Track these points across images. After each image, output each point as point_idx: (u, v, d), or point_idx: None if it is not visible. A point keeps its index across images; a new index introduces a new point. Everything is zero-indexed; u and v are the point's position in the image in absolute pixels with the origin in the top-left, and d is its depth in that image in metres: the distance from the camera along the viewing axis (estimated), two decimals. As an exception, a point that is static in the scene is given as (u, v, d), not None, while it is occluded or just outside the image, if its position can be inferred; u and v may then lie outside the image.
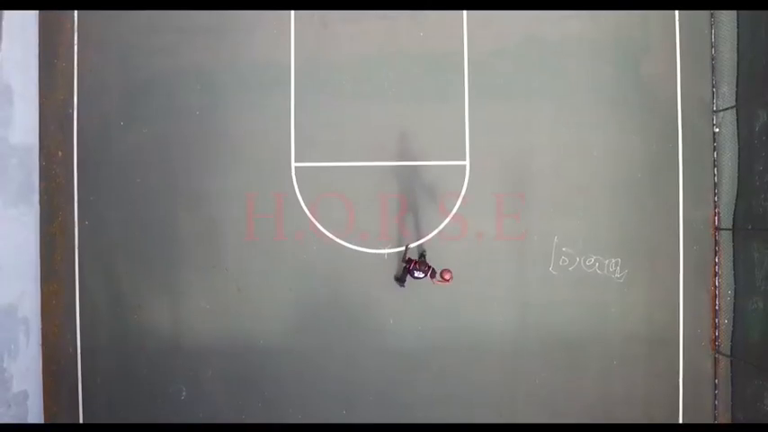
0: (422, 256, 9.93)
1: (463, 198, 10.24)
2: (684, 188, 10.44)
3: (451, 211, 10.24)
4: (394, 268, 10.20)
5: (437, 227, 10.23)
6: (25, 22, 10.02)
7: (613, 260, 10.37)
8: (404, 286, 9.91)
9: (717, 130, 10.48)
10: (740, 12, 10.28)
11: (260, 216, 10.22)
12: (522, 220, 10.29)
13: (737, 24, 10.33)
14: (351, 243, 10.21)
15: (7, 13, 9.54)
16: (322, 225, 10.22)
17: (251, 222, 10.22)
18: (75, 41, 10.37)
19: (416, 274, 8.95)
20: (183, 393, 10.22)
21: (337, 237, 10.21)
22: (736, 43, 10.35)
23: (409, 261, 9.12)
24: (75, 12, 10.36)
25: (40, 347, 10.23)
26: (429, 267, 8.95)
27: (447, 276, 8.52)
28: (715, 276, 10.40)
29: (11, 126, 9.63)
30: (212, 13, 10.26)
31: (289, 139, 10.24)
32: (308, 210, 10.22)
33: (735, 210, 10.28)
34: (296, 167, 10.22)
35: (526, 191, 10.31)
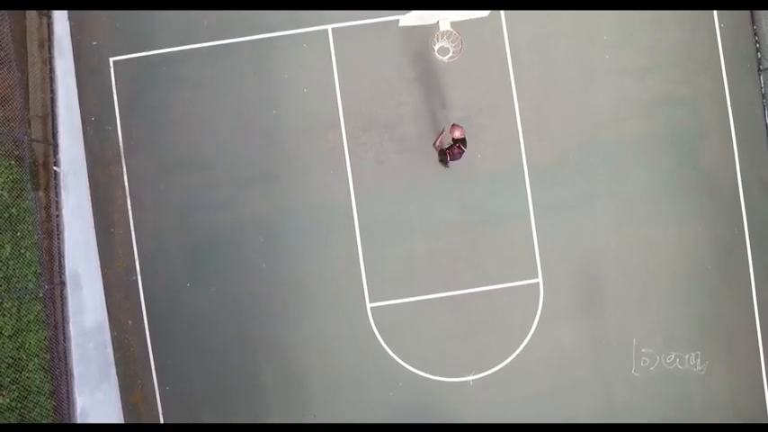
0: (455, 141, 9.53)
1: (540, 314, 10.22)
2: (755, 270, 10.46)
3: (531, 328, 10.23)
4: (480, 393, 10.21)
5: (520, 344, 10.22)
6: (80, 199, 9.83)
7: (693, 353, 10.41)
8: (448, 166, 10.03)
9: (781, 209, 10.50)
10: (791, 89, 10.25)
11: (341, 358, 10.16)
12: (600, 326, 10.29)
13: (790, 102, 10.32)
14: (435, 374, 10.20)
15: (64, 197, 9.35)
16: (405, 361, 10.18)
17: (333, 366, 10.16)
18: (129, 207, 10.18)
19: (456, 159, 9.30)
20: None
21: (421, 370, 10.19)
22: (790, 121, 10.34)
23: (444, 152, 9.31)
24: (126, 177, 10.15)
25: None
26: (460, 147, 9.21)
27: (457, 134, 9.10)
28: (796, 354, 10.49)
29: (83, 312, 9.50)
30: (264, 162, 10.16)
31: (360, 280, 10.15)
32: (389, 347, 10.17)
33: (809, 287, 10.35)
34: (371, 308, 10.15)
35: (601, 296, 10.30)
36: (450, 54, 9.13)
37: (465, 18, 8.52)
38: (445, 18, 8.29)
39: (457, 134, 9.11)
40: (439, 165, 10.14)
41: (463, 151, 9.31)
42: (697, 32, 10.40)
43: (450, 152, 9.34)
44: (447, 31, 8.64)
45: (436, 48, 8.94)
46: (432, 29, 9.15)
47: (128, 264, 10.21)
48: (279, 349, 10.19)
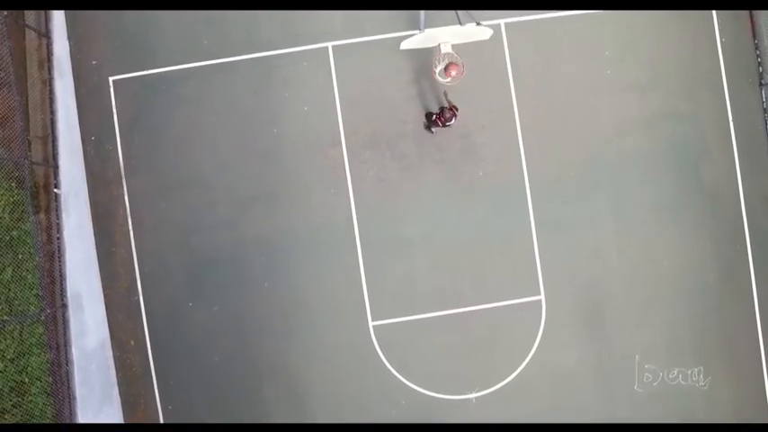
0: (441, 108, 9.55)
1: (543, 331, 10.20)
2: (757, 285, 10.45)
3: (533, 345, 10.22)
4: (483, 411, 10.20)
5: (523, 361, 10.21)
6: (81, 220, 9.80)
7: (696, 369, 10.40)
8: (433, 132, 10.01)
9: (784, 225, 10.48)
10: (793, 104, 10.24)
11: (344, 376, 10.15)
12: (603, 342, 10.28)
13: (792, 117, 10.29)
14: (437, 392, 10.18)
15: (65, 219, 9.33)
16: (407, 379, 10.17)
17: (336, 384, 10.15)
18: (130, 227, 10.16)
19: (448, 123, 9.17)
20: None
21: (423, 388, 10.17)
22: (793, 136, 10.32)
23: (433, 119, 9.25)
24: (126, 197, 10.12)
25: None
26: (451, 110, 9.03)
27: (453, 72, 8.64)
28: (799, 369, 10.48)
29: (85, 333, 9.49)
30: (265, 181, 10.13)
31: (362, 298, 10.13)
32: (391, 366, 10.16)
33: (811, 302, 10.33)
34: (374, 326, 10.13)
35: (604, 313, 10.28)
36: (453, 76, 9.11)
37: (466, 41, 8.49)
38: (446, 41, 8.26)
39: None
40: (438, 176, 10.13)
41: (455, 114, 8.95)
42: (698, 47, 10.38)
43: (441, 117, 9.01)
44: (448, 53, 8.62)
45: (437, 70, 8.91)
46: (433, 50, 9.12)
47: (129, 284, 10.18)
48: (281, 368, 10.17)
